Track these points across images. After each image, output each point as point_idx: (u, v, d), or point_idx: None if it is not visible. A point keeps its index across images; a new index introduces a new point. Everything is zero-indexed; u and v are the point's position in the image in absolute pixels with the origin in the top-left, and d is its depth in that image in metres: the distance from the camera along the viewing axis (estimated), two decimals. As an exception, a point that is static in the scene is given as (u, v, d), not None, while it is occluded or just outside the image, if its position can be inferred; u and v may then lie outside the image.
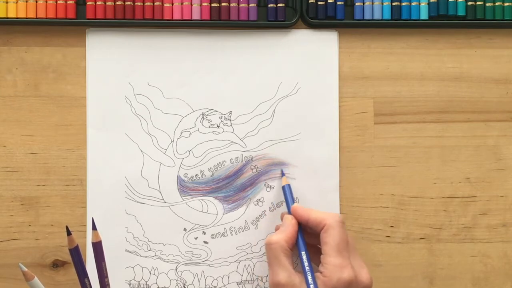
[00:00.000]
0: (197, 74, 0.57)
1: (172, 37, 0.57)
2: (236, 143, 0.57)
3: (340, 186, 0.57)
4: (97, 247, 0.46)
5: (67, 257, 0.55)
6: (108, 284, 0.47)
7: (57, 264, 0.56)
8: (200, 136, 0.57)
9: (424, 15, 0.57)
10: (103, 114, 0.56)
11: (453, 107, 0.58)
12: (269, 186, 0.57)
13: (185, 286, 0.56)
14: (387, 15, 0.57)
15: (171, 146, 0.57)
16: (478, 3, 0.57)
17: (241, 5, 0.57)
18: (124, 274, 0.56)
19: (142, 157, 0.56)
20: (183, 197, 0.57)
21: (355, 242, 0.51)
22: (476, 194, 0.58)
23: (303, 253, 0.50)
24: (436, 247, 0.58)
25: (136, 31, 0.57)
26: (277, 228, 0.54)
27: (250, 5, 0.57)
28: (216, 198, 0.57)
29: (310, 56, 0.57)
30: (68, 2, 0.56)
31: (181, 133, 0.57)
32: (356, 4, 0.57)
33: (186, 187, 0.57)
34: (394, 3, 0.57)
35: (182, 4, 0.56)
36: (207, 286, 0.56)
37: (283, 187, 0.55)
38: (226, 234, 0.57)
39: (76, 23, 0.56)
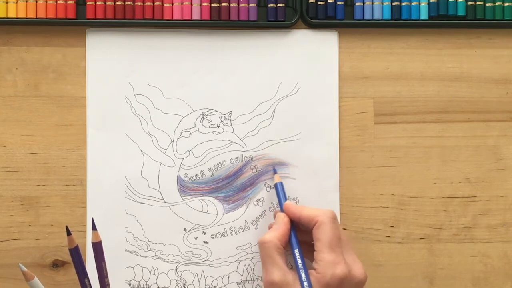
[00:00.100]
0: (197, 74, 0.57)
1: (172, 37, 0.57)
2: (236, 143, 0.57)
3: (340, 186, 0.57)
4: (97, 247, 0.46)
5: (67, 257, 0.55)
6: (108, 284, 0.47)
7: (57, 264, 0.56)
8: (200, 136, 0.57)
9: (424, 15, 0.57)
10: (103, 114, 0.56)
11: (453, 107, 0.58)
12: (269, 186, 0.57)
13: (185, 286, 0.56)
14: (387, 15, 0.57)
15: (171, 146, 0.57)
16: (478, 3, 0.57)
17: (241, 5, 0.57)
18: (124, 274, 0.56)
19: (142, 157, 0.56)
20: (183, 197, 0.57)
21: (348, 238, 0.51)
22: (476, 194, 0.58)
23: (296, 250, 0.50)
24: (436, 247, 0.58)
25: (136, 31, 0.57)
26: (270, 227, 0.54)
27: (250, 5, 0.57)
28: (216, 198, 0.57)
29: (310, 56, 0.57)
30: (68, 2, 0.56)
31: (181, 133, 0.57)
32: (356, 4, 0.57)
33: (186, 187, 0.57)
34: (394, 3, 0.57)
35: (182, 4, 0.56)
36: (207, 286, 0.56)
37: (275, 185, 0.55)
38: (226, 234, 0.57)
39: (76, 23, 0.56)
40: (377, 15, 0.57)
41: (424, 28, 0.58)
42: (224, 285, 0.57)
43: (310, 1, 0.57)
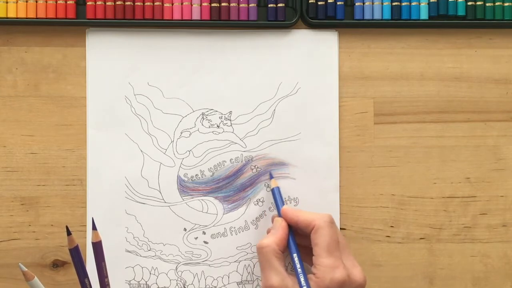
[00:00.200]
0: (197, 74, 0.57)
1: (172, 37, 0.57)
2: (236, 143, 0.57)
3: (340, 186, 0.57)
4: (97, 247, 0.46)
5: (67, 257, 0.55)
6: (108, 284, 0.47)
7: (57, 264, 0.56)
8: (200, 136, 0.57)
9: (424, 15, 0.57)
10: (103, 114, 0.56)
11: (453, 107, 0.58)
12: (269, 186, 0.57)
13: (185, 286, 0.56)
14: (387, 15, 0.57)
15: (171, 146, 0.57)
16: (478, 3, 0.57)
17: (241, 5, 0.57)
18: (124, 274, 0.56)
19: (142, 157, 0.56)
20: (183, 197, 0.57)
21: (346, 242, 0.51)
22: (476, 194, 0.58)
23: (294, 255, 0.50)
24: (436, 247, 0.58)
25: (136, 31, 0.57)
26: (268, 231, 0.54)
27: (250, 5, 0.57)
28: (216, 198, 0.57)
29: (310, 56, 0.57)
30: (68, 2, 0.56)
31: (181, 133, 0.57)
32: (356, 4, 0.57)
33: (186, 187, 0.57)
34: (394, 3, 0.57)
35: (182, 4, 0.56)
36: (207, 286, 0.56)
37: (272, 190, 0.55)
38: (226, 234, 0.57)
39: (76, 23, 0.56)
40: (377, 15, 0.57)
41: (424, 28, 0.58)
42: (224, 285, 0.57)
43: (310, 1, 0.57)
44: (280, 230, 0.51)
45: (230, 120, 0.57)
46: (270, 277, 0.48)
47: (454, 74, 0.58)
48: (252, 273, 0.57)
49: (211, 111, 0.57)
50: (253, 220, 0.57)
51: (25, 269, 0.43)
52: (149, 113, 0.57)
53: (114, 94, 0.56)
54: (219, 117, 0.57)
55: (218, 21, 0.57)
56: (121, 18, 0.56)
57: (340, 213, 0.57)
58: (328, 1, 0.57)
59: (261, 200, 0.57)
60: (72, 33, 0.57)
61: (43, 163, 0.56)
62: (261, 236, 0.56)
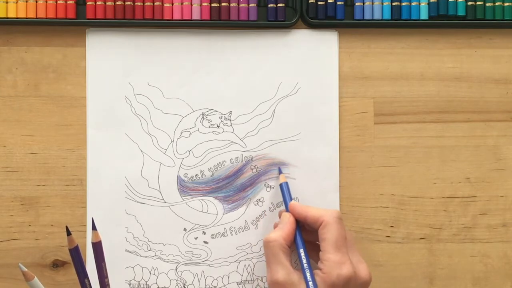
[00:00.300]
0: (197, 74, 0.57)
1: (172, 37, 0.57)
2: (236, 143, 0.57)
3: (340, 186, 0.57)
4: (97, 247, 0.46)
5: (67, 257, 0.55)
6: (108, 284, 0.47)
7: (57, 264, 0.56)
8: (200, 136, 0.57)
9: (424, 15, 0.57)
10: (103, 114, 0.56)
11: (453, 107, 0.58)
12: (269, 186, 0.57)
13: (185, 286, 0.56)
14: (387, 15, 0.57)
15: (171, 146, 0.57)
16: (478, 3, 0.57)
17: (241, 5, 0.57)
18: (124, 274, 0.56)
19: (142, 157, 0.56)
20: (183, 197, 0.57)
21: (353, 238, 0.51)
22: (476, 194, 0.58)
23: (301, 250, 0.50)
24: (436, 247, 0.58)
25: (136, 31, 0.57)
26: (275, 226, 0.54)
27: (250, 5, 0.57)
28: (216, 198, 0.57)
29: (310, 56, 0.57)
30: (68, 2, 0.56)
31: (181, 133, 0.57)
32: (356, 4, 0.57)
33: (186, 187, 0.57)
34: (394, 3, 0.57)
35: (182, 4, 0.56)
36: (207, 286, 0.56)
37: (280, 185, 0.55)
38: (226, 234, 0.57)
39: (76, 23, 0.56)
40: (377, 15, 0.57)
41: (424, 28, 0.58)
42: (224, 285, 0.57)
43: (310, 1, 0.57)
44: (288, 225, 0.51)
45: (230, 120, 0.57)
46: (276, 271, 0.48)
47: (454, 74, 0.58)
48: (252, 273, 0.57)
49: (211, 111, 0.57)
50: (253, 220, 0.57)
51: (25, 269, 0.43)
52: (149, 113, 0.57)
53: (114, 94, 0.56)
54: (219, 117, 0.57)
55: (218, 21, 0.56)
56: (121, 18, 0.56)
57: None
58: (328, 1, 0.57)
59: (261, 200, 0.57)
60: (72, 33, 0.57)
61: (43, 163, 0.56)
62: (261, 236, 0.56)
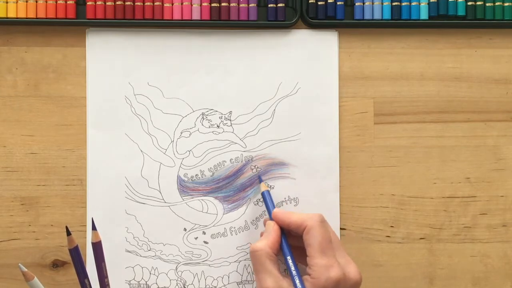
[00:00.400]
0: (197, 74, 0.57)
1: (172, 37, 0.57)
2: (236, 143, 0.57)
3: (340, 186, 0.57)
4: (97, 247, 0.46)
5: (67, 257, 0.55)
6: (108, 284, 0.47)
7: (57, 264, 0.56)
8: (200, 136, 0.57)
9: (424, 15, 0.57)
10: (103, 114, 0.56)
11: (453, 107, 0.58)
12: (269, 186, 0.57)
13: (185, 286, 0.56)
14: (387, 15, 0.57)
15: (171, 146, 0.57)
16: (478, 3, 0.57)
17: (241, 5, 0.57)
18: (124, 274, 0.56)
19: (142, 157, 0.56)
20: (183, 197, 0.57)
21: (339, 240, 0.51)
22: (476, 194, 0.58)
23: (288, 257, 0.50)
24: (436, 247, 0.58)
25: (136, 31, 0.57)
26: (261, 235, 0.54)
27: (250, 5, 0.57)
28: (216, 198, 0.57)
29: (310, 56, 0.57)
30: (68, 2, 0.56)
31: (181, 133, 0.57)
32: (356, 4, 0.57)
33: (186, 187, 0.57)
34: (394, 3, 0.57)
35: (182, 4, 0.56)
36: (207, 286, 0.56)
37: (262, 193, 0.55)
38: (226, 234, 0.57)
39: (76, 23, 0.56)
40: (377, 15, 0.57)
41: (424, 28, 0.58)
42: (224, 285, 0.57)
43: (310, 1, 0.57)
44: (272, 233, 0.51)
45: (230, 120, 0.57)
46: (264, 280, 0.48)
47: (454, 74, 0.58)
48: (252, 273, 0.57)
49: (211, 111, 0.57)
50: (253, 220, 0.57)
51: (24, 269, 0.43)
52: (149, 113, 0.57)
53: (114, 94, 0.56)
54: (219, 117, 0.57)
55: (218, 21, 0.56)
56: (121, 18, 0.56)
57: (340, 213, 0.57)
58: (328, 1, 0.57)
59: (261, 200, 0.57)
60: (72, 33, 0.57)
61: (43, 163, 0.56)
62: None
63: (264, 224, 0.54)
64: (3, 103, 0.56)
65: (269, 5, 0.57)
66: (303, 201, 0.57)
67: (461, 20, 0.58)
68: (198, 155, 0.57)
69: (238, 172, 0.57)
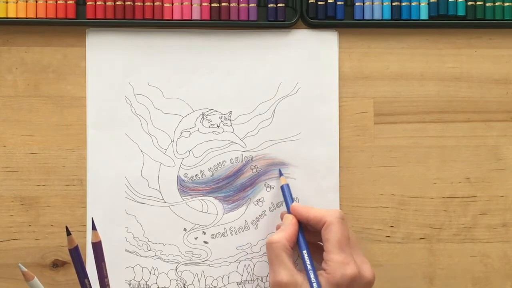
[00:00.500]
0: (197, 74, 0.57)
1: (172, 37, 0.57)
2: (236, 143, 0.57)
3: (340, 186, 0.57)
4: (97, 247, 0.46)
5: (67, 257, 0.55)
6: (108, 284, 0.47)
7: (57, 264, 0.56)
8: (200, 136, 0.57)
9: (424, 15, 0.57)
10: (103, 114, 0.56)
11: (453, 107, 0.58)
12: (269, 186, 0.57)
13: (185, 286, 0.56)
14: (387, 15, 0.57)
15: (171, 146, 0.57)
16: (478, 3, 0.57)
17: (241, 5, 0.57)
18: (124, 274, 0.56)
19: (142, 157, 0.56)
20: (183, 197, 0.57)
21: (356, 238, 0.51)
22: (476, 194, 0.58)
23: (304, 252, 0.50)
24: (436, 247, 0.58)
25: (136, 31, 0.57)
26: (278, 228, 0.54)
27: (250, 5, 0.57)
28: (216, 198, 0.57)
29: (310, 56, 0.57)
30: (68, 2, 0.56)
31: (181, 133, 0.57)
32: (356, 4, 0.57)
33: (186, 187, 0.57)
34: (394, 3, 0.57)
35: (182, 4, 0.56)
36: (207, 286, 0.56)
37: (281, 187, 0.55)
38: (226, 234, 0.57)
39: (76, 23, 0.56)
40: (377, 15, 0.57)
41: (424, 28, 0.58)
42: (224, 285, 0.57)
43: (310, 1, 0.57)
44: (290, 226, 0.51)
45: (230, 120, 0.57)
46: (279, 273, 0.48)
47: (454, 74, 0.58)
48: (252, 273, 0.57)
49: (211, 111, 0.57)
50: (253, 220, 0.57)
51: (24, 269, 0.43)
52: (149, 113, 0.57)
53: (114, 94, 0.56)
54: (219, 117, 0.57)
55: (218, 21, 0.57)
56: (121, 18, 0.56)
57: (340, 213, 0.57)
58: (328, 1, 0.57)
59: (261, 200, 0.57)
60: (72, 33, 0.57)
61: (43, 163, 0.56)
62: (261, 236, 0.56)
63: (281, 218, 0.54)
64: (3, 103, 0.56)
65: (269, 5, 0.57)
66: (303, 201, 0.57)
67: (461, 20, 0.58)
68: (198, 155, 0.57)
69: (238, 172, 0.57)
